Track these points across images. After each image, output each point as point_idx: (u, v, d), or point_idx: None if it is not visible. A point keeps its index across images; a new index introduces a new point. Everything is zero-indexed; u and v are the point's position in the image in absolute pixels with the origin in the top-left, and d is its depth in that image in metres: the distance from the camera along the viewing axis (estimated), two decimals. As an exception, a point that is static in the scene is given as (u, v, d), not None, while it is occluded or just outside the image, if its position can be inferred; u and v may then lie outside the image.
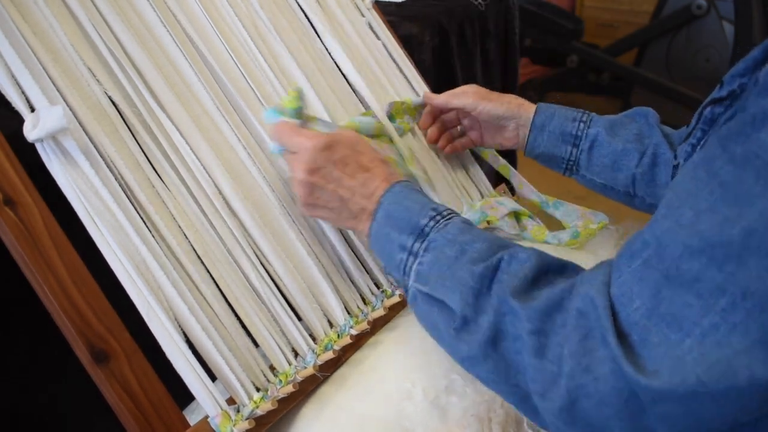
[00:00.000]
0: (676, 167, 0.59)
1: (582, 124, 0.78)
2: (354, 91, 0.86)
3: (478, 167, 0.97)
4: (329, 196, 0.62)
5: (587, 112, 0.80)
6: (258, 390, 0.60)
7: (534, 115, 0.80)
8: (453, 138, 0.90)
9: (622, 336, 0.41)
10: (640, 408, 0.40)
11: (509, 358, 0.47)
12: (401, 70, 0.95)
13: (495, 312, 0.47)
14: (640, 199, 0.78)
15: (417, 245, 0.55)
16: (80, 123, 0.58)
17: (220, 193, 0.65)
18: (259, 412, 0.58)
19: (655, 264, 0.41)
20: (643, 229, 0.44)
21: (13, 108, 0.56)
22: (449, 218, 0.56)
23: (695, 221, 0.39)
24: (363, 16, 0.94)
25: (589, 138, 0.78)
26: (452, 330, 0.51)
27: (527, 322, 0.45)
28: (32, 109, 0.56)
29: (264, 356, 0.63)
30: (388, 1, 1.29)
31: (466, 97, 0.83)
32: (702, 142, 0.54)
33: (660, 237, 0.41)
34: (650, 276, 0.41)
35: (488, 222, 0.86)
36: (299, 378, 0.63)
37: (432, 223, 0.56)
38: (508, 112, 0.82)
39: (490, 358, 0.48)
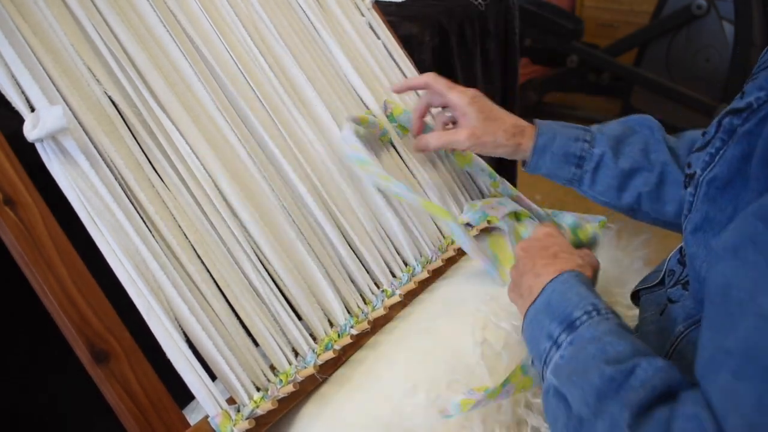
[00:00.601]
0: (691, 177, 0.57)
1: (586, 144, 0.75)
2: (354, 90, 0.86)
3: (478, 167, 0.97)
4: (521, 277, 0.63)
5: (589, 129, 0.76)
6: (258, 390, 0.60)
7: (535, 138, 0.76)
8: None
9: None
10: None
11: None
12: (401, 70, 0.95)
13: (612, 423, 0.44)
14: (643, 213, 0.75)
15: (563, 336, 0.53)
16: (80, 123, 0.58)
17: (220, 192, 0.65)
18: (260, 411, 0.58)
19: (748, 371, 0.37)
20: (713, 338, 0.41)
21: (13, 108, 0.56)
22: (605, 317, 0.53)
23: None
24: (363, 15, 0.94)
25: (594, 159, 0.74)
26: (566, 430, 0.48)
27: None
28: (32, 109, 0.56)
29: (264, 356, 0.63)
30: (388, 1, 1.29)
31: (460, 139, 0.77)
32: (722, 153, 0.53)
33: (746, 338, 0.38)
34: (746, 385, 0.37)
35: (488, 221, 0.86)
36: (299, 378, 0.63)
37: (585, 318, 0.53)
38: (506, 151, 0.77)
39: None
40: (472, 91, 0.79)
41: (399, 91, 0.87)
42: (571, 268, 0.59)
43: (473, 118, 0.76)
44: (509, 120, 0.77)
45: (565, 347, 0.52)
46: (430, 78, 0.81)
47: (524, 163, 0.78)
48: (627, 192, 0.74)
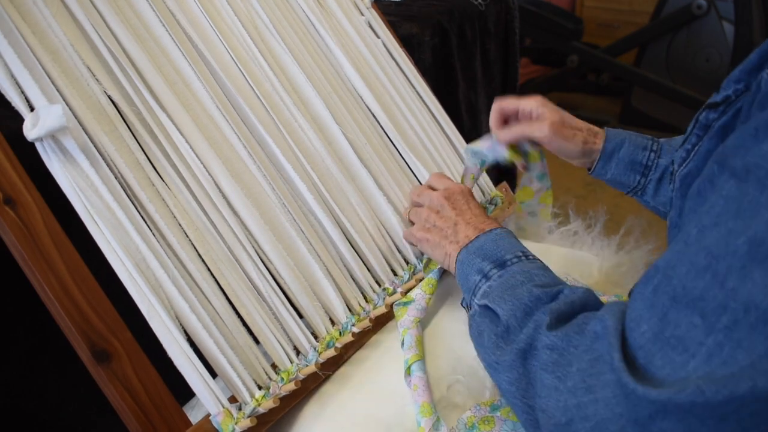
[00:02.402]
0: (672, 174, 0.59)
1: (653, 154, 0.75)
2: (354, 89, 0.86)
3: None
4: (445, 219, 0.69)
5: (657, 140, 0.76)
6: (260, 388, 0.60)
7: (603, 143, 0.76)
8: None
9: (629, 360, 0.41)
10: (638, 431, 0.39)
11: (532, 375, 0.47)
12: (401, 69, 0.95)
13: (534, 328, 0.49)
14: None
15: (494, 271, 0.58)
16: (80, 122, 0.58)
17: (221, 191, 0.65)
18: (261, 410, 0.58)
19: (663, 287, 0.41)
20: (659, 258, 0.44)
21: (13, 107, 0.56)
22: (533, 260, 0.59)
23: (700, 237, 0.39)
24: (362, 15, 0.94)
25: (660, 169, 0.74)
26: (493, 335, 0.53)
27: (547, 338, 0.47)
28: (32, 109, 0.56)
29: (266, 354, 0.63)
30: (388, 1, 1.29)
31: (542, 127, 0.75)
32: (697, 148, 0.54)
33: (669, 260, 0.41)
34: (659, 300, 0.41)
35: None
36: (301, 376, 0.63)
37: (515, 260, 0.59)
38: (580, 153, 0.77)
39: (515, 370, 0.49)
40: (538, 97, 0.78)
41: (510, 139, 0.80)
42: (503, 228, 0.65)
43: (551, 114, 0.76)
44: (582, 121, 0.78)
45: (494, 279, 0.58)
46: (500, 103, 0.80)
47: (589, 168, 0.78)
48: None
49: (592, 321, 0.46)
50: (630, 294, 0.47)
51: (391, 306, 0.73)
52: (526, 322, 0.50)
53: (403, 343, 0.67)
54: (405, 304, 0.71)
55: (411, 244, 0.77)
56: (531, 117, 0.77)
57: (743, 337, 0.36)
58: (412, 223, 0.76)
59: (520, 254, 0.59)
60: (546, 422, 0.45)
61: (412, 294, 0.72)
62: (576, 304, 0.50)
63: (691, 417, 0.37)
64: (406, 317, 0.70)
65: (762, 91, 0.43)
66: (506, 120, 0.79)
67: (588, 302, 0.51)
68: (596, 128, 0.78)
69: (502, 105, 0.78)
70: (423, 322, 0.71)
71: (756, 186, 0.37)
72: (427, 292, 0.72)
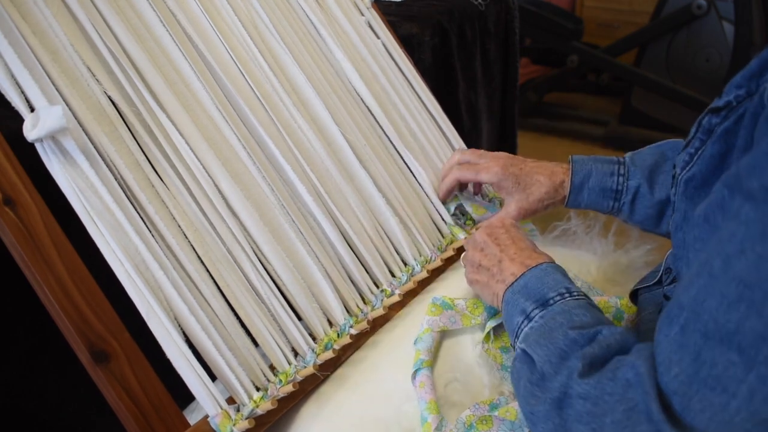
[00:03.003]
0: (673, 177, 0.58)
1: (621, 178, 0.76)
2: (354, 89, 0.86)
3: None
4: (490, 257, 0.66)
5: (622, 160, 0.77)
6: (258, 389, 0.60)
7: (571, 176, 0.77)
8: None
9: (666, 407, 0.40)
10: None
11: (569, 426, 0.46)
12: (401, 70, 0.95)
13: (568, 375, 0.47)
14: None
15: (536, 312, 0.56)
16: (80, 123, 0.58)
17: (220, 192, 0.65)
18: (259, 411, 0.58)
19: (693, 325, 0.39)
20: (677, 294, 0.43)
21: (13, 108, 0.56)
22: (577, 298, 0.56)
23: (726, 268, 0.38)
24: (362, 15, 0.94)
25: (630, 191, 0.75)
26: (529, 383, 0.50)
27: (579, 387, 0.45)
28: (32, 109, 0.56)
29: (264, 356, 0.63)
30: (388, 1, 1.29)
31: (508, 210, 0.79)
32: (700, 152, 0.54)
33: (695, 296, 0.40)
34: (689, 340, 0.39)
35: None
36: (299, 377, 0.63)
37: (558, 298, 0.56)
38: (554, 205, 0.79)
39: (551, 420, 0.47)
40: (500, 162, 0.80)
41: (444, 198, 0.88)
42: (549, 260, 0.62)
43: (513, 191, 0.78)
44: (545, 178, 0.78)
45: (536, 320, 0.55)
46: (457, 172, 0.83)
47: (563, 199, 0.79)
48: (665, 220, 0.75)
49: (623, 367, 0.44)
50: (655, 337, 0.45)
51: (389, 308, 0.73)
52: (560, 369, 0.48)
53: (418, 341, 0.66)
54: (444, 305, 0.70)
55: None
56: (493, 186, 0.81)
57: None
58: None
59: (564, 291, 0.56)
60: None
61: (457, 302, 0.71)
62: (612, 347, 0.48)
63: None
64: (437, 319, 0.68)
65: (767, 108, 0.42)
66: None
67: (625, 344, 0.48)
68: (558, 170, 0.79)
69: (460, 176, 0.83)
70: (418, 323, 0.72)
71: None
72: (470, 310, 0.70)
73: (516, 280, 0.60)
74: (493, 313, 0.70)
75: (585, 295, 0.57)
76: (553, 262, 0.62)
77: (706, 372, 0.38)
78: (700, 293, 0.39)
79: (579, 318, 0.52)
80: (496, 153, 0.83)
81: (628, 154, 0.78)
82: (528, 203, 0.78)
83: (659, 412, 0.39)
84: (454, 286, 0.78)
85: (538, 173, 0.78)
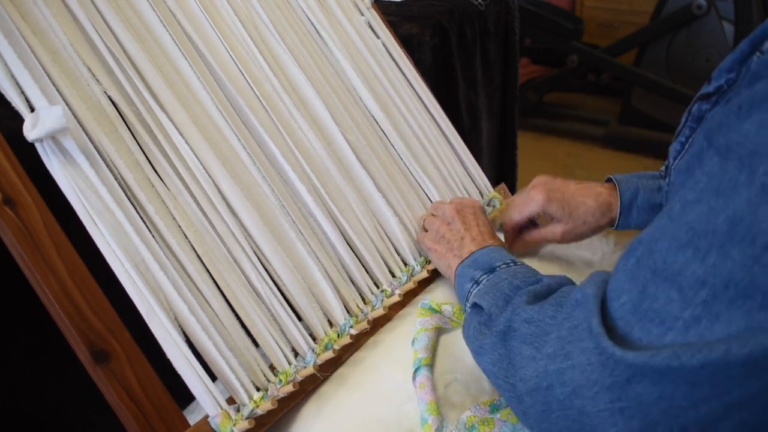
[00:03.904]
0: (666, 167, 0.59)
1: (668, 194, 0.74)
2: (354, 90, 0.86)
3: (478, 166, 0.97)
4: (454, 232, 0.74)
5: (663, 174, 0.75)
6: (258, 389, 0.60)
7: (619, 197, 0.73)
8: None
9: (609, 327, 0.42)
10: (614, 398, 0.40)
11: (512, 352, 0.49)
12: (401, 70, 0.95)
13: (512, 310, 0.52)
14: None
15: (483, 277, 0.63)
16: (80, 123, 0.58)
17: (220, 192, 0.65)
18: (259, 411, 0.58)
19: (645, 260, 0.42)
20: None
21: (13, 108, 0.56)
22: (522, 265, 0.63)
23: (682, 213, 0.40)
24: (362, 15, 0.94)
25: None
26: (476, 323, 0.56)
27: (525, 313, 0.49)
28: (32, 109, 0.56)
29: (264, 356, 0.63)
30: (389, 1, 1.29)
31: (553, 229, 0.76)
32: (691, 140, 0.54)
33: (652, 233, 0.42)
34: (640, 273, 0.42)
35: None
36: (299, 377, 0.63)
37: (503, 266, 0.63)
38: (594, 226, 0.75)
39: (496, 351, 0.51)
40: (542, 190, 0.76)
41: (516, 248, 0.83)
42: (502, 245, 0.70)
43: (560, 216, 0.75)
44: (591, 200, 0.75)
45: (483, 283, 0.62)
46: (510, 222, 0.80)
47: (612, 222, 0.76)
48: None
49: (573, 291, 0.47)
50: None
51: (389, 308, 0.73)
52: (505, 308, 0.53)
53: (415, 341, 0.67)
54: (431, 308, 0.71)
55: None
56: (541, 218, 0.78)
57: (721, 312, 0.37)
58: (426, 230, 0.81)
59: (510, 261, 0.63)
60: (526, 391, 0.46)
61: (444, 307, 0.72)
62: (552, 286, 0.53)
63: (666, 381, 0.38)
64: (428, 319, 0.70)
65: (751, 71, 0.43)
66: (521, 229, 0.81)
67: (564, 284, 0.54)
68: (603, 191, 0.75)
69: (511, 224, 0.79)
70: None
71: (736, 164, 0.38)
72: (456, 315, 0.71)
73: (468, 256, 0.68)
74: None
75: (528, 266, 0.63)
76: (505, 248, 0.69)
77: (648, 304, 0.40)
78: (656, 232, 0.42)
79: (522, 273, 0.59)
80: (534, 181, 0.78)
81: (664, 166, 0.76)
82: (574, 226, 0.75)
83: (599, 326, 0.41)
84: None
85: (583, 195, 0.75)
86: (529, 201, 0.76)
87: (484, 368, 0.54)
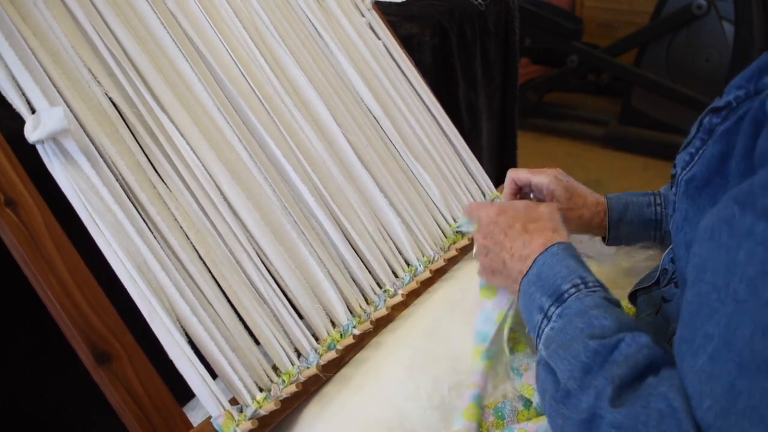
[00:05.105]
0: (673, 177, 0.58)
1: (658, 207, 0.75)
2: (355, 90, 0.86)
3: (479, 166, 0.97)
4: (494, 259, 0.64)
5: (657, 193, 0.76)
6: (261, 390, 0.60)
7: (608, 212, 0.76)
8: None
9: None
10: None
11: None
12: (401, 70, 0.95)
13: (596, 397, 0.45)
14: None
15: (552, 309, 0.55)
16: (81, 124, 0.58)
17: (222, 193, 0.65)
18: (262, 412, 0.58)
19: (724, 355, 0.38)
20: (693, 320, 0.41)
21: (14, 109, 0.56)
22: (592, 290, 0.55)
23: (753, 292, 0.36)
24: (363, 16, 0.94)
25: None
26: (553, 401, 0.49)
27: (611, 415, 0.43)
28: (33, 111, 0.56)
29: (267, 356, 0.63)
30: (389, 2, 1.29)
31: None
32: (701, 152, 0.53)
33: (726, 324, 0.38)
34: (721, 370, 0.38)
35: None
36: (302, 378, 0.63)
37: (573, 291, 0.55)
38: (589, 227, 0.77)
39: None
40: (553, 171, 0.78)
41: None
42: (560, 239, 0.60)
43: (562, 200, 0.76)
44: (591, 198, 0.77)
45: (554, 320, 0.54)
46: (513, 173, 0.80)
47: (604, 238, 0.78)
48: None
49: (655, 397, 0.42)
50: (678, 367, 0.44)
51: (392, 308, 0.73)
52: (585, 388, 0.46)
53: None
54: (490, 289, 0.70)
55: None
56: (542, 192, 0.77)
57: None
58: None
59: (579, 282, 0.55)
60: None
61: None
62: (640, 365, 0.45)
63: None
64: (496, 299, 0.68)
65: None
66: (519, 189, 0.80)
67: (653, 360, 0.46)
68: (603, 201, 0.77)
69: (515, 177, 0.79)
70: (422, 323, 0.71)
71: None
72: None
73: (528, 271, 0.59)
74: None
75: (599, 284, 0.56)
76: (558, 241, 0.60)
77: (743, 403, 0.36)
78: (731, 321, 0.38)
79: (598, 322, 0.50)
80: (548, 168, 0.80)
81: (664, 188, 0.77)
82: (571, 210, 0.75)
83: None
84: (457, 286, 0.78)
85: (586, 193, 0.77)
86: (542, 171, 0.77)
87: None
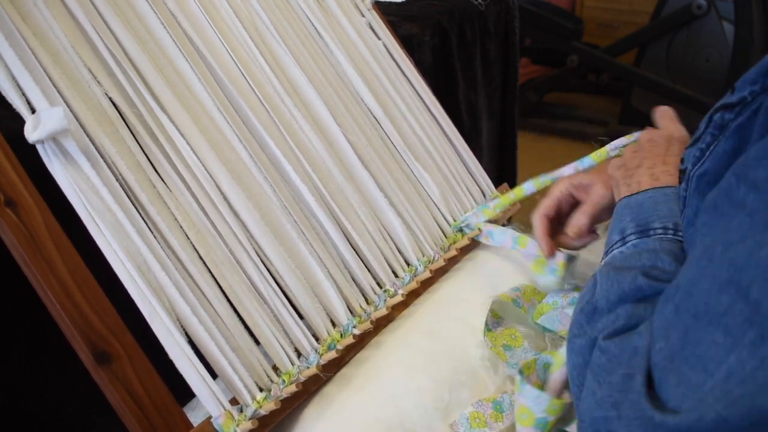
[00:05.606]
0: (683, 172, 0.58)
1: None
2: (355, 90, 0.86)
3: (479, 166, 0.97)
4: (636, 159, 0.64)
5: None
6: (261, 390, 0.60)
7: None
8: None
9: (650, 378, 0.40)
10: None
11: (588, 370, 0.46)
12: (401, 70, 0.95)
13: (613, 322, 0.46)
14: None
15: (632, 238, 0.55)
16: (81, 124, 0.58)
17: (222, 193, 0.65)
18: (263, 412, 0.58)
19: (685, 305, 0.39)
20: (677, 275, 0.43)
21: (14, 109, 0.56)
22: (678, 239, 0.54)
23: (725, 252, 0.38)
24: (363, 16, 0.94)
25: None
26: (581, 312, 0.50)
27: (602, 341, 0.45)
28: (33, 111, 0.56)
29: (267, 356, 0.63)
30: (389, 2, 1.29)
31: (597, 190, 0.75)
32: (712, 148, 0.53)
33: (691, 278, 0.40)
34: (681, 319, 0.39)
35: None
36: (302, 378, 0.63)
37: (660, 232, 0.54)
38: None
39: (581, 356, 0.47)
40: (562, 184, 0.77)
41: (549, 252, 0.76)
42: (675, 181, 0.59)
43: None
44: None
45: (628, 246, 0.54)
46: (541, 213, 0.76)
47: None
48: None
49: (636, 335, 0.44)
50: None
51: (392, 308, 0.73)
52: (610, 312, 0.48)
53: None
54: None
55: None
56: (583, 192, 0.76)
57: (766, 355, 0.34)
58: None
59: (670, 227, 0.55)
60: (580, 425, 0.44)
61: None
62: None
63: None
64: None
65: None
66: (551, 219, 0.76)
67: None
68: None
69: (544, 213, 0.75)
70: (422, 323, 0.71)
71: None
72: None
73: (636, 194, 0.59)
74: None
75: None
76: (675, 186, 0.59)
77: (689, 350, 0.38)
78: (695, 275, 0.40)
79: (662, 264, 0.50)
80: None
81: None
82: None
83: (642, 385, 0.40)
84: (457, 286, 0.78)
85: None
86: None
87: (568, 363, 0.50)
